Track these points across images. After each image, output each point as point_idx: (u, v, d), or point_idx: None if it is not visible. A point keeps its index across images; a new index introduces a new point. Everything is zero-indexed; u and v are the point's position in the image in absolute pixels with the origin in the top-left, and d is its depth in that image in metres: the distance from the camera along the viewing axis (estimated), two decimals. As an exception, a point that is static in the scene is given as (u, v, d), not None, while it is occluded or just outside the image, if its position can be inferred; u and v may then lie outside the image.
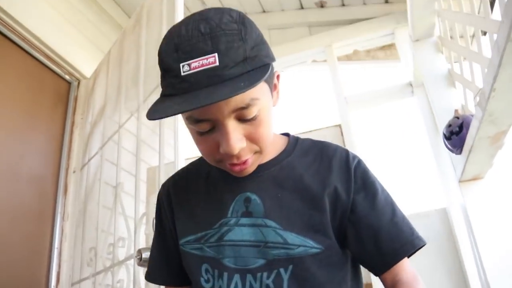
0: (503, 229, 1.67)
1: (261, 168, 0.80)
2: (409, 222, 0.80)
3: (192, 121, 0.69)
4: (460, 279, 1.97)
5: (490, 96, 1.21)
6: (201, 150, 0.75)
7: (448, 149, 1.70)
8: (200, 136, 0.72)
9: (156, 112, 0.65)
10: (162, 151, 1.35)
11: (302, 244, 0.75)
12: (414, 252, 0.77)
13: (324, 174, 0.79)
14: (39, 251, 1.83)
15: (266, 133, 0.73)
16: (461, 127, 1.60)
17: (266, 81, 0.72)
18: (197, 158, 0.91)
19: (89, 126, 2.07)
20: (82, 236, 1.85)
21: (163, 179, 1.28)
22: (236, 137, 0.68)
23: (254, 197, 0.78)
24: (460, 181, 1.75)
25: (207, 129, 0.70)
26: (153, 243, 0.92)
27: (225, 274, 0.77)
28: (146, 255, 1.14)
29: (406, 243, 0.76)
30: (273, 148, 0.83)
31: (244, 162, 0.73)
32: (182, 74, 0.64)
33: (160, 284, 0.92)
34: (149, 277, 0.91)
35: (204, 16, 0.68)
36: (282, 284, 0.74)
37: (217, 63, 0.64)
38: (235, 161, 0.72)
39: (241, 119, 0.69)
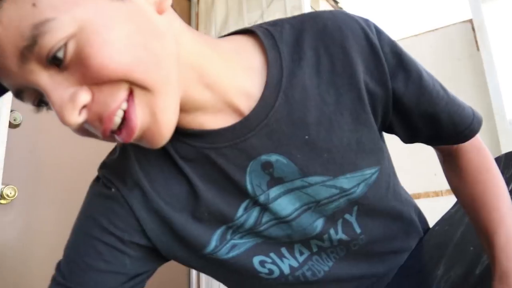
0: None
1: (258, 113, 0.56)
2: (460, 99, 0.66)
3: (16, 97, 0.48)
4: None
5: None
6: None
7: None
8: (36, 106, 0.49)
9: None
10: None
11: (361, 179, 0.61)
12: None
13: (342, 75, 0.58)
14: None
15: (118, 59, 0.43)
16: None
17: None
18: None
19: (214, 40, 2.24)
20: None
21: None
22: (61, 97, 0.44)
23: (274, 157, 0.58)
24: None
25: (35, 102, 0.48)
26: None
27: (287, 253, 0.64)
28: None
29: (470, 125, 0.64)
30: (244, 69, 0.58)
31: (129, 122, 0.46)
32: None
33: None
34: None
35: None
36: (353, 228, 0.64)
37: None
38: (103, 125, 0.46)
39: (46, 63, 0.43)
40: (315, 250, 0.64)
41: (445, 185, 2.21)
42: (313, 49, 0.58)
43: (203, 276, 1.99)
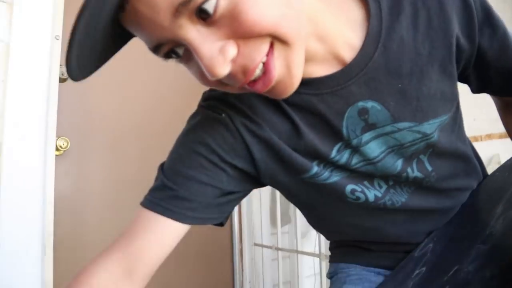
0: None
1: (359, 62, 0.61)
2: None
3: (155, 47, 0.49)
4: None
5: None
6: (201, 81, 0.53)
7: None
8: (185, 66, 0.53)
9: None
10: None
11: (439, 124, 0.67)
12: None
13: (437, 29, 0.62)
14: None
15: (266, 13, 0.46)
16: None
17: None
18: None
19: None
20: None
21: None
22: (208, 47, 0.46)
23: (370, 104, 0.63)
24: None
25: (173, 47, 0.49)
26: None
27: (374, 183, 0.71)
28: None
29: None
30: (348, 22, 0.62)
31: (265, 73, 0.49)
32: None
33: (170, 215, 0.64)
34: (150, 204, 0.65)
35: None
36: (426, 167, 0.71)
37: None
38: (241, 76, 0.49)
39: (198, 18, 0.45)
40: (391, 183, 0.71)
41: (484, 131, 2.14)
42: (412, 3, 0.62)
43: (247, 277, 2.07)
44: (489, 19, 0.64)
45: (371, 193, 0.70)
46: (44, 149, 1.25)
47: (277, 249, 1.87)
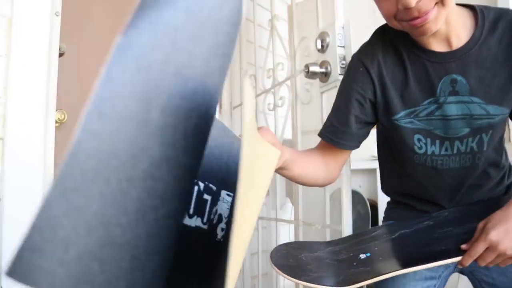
0: None
1: (461, 50, 0.94)
2: None
3: None
4: None
5: None
6: (383, 12, 0.91)
7: None
8: (383, 3, 0.89)
9: None
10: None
11: (501, 113, 0.96)
12: None
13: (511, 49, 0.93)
14: None
15: None
16: None
17: None
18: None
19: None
20: (239, 67, 2.21)
21: (321, 13, 1.52)
22: None
23: (459, 78, 0.95)
24: None
25: None
26: (336, 108, 1.07)
27: (437, 142, 0.99)
28: (313, 68, 1.42)
29: None
30: (463, 25, 0.95)
31: (426, 16, 0.84)
32: None
33: (331, 142, 1.05)
34: (323, 135, 1.07)
35: None
36: (483, 145, 0.99)
37: None
38: (416, 14, 0.84)
39: None
40: (455, 152, 0.99)
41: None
42: (503, 28, 0.94)
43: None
44: None
45: (431, 148, 1.00)
46: (45, 121, 1.34)
47: (259, 218, 2.01)
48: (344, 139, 1.04)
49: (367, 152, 2.67)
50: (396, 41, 1.00)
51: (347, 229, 1.34)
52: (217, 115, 2.17)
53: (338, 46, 1.39)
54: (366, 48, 1.05)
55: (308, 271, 0.87)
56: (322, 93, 1.48)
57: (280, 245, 1.03)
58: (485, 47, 0.94)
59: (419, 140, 1.00)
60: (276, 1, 2.01)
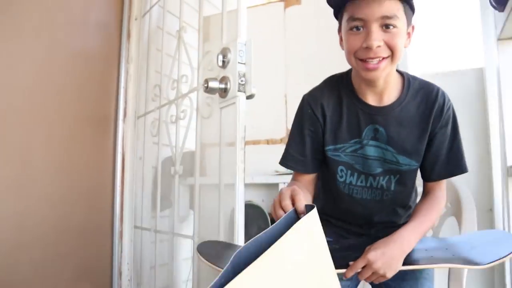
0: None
1: (387, 108, 1.19)
2: (463, 154, 1.20)
3: (351, 20, 1.08)
4: (483, 134, 2.24)
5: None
6: (348, 46, 1.11)
7: (492, 5, 1.84)
8: (351, 33, 1.09)
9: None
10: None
11: (408, 163, 1.21)
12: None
13: (428, 114, 1.18)
14: (108, 90, 2.17)
15: (399, 46, 1.07)
16: (507, -15, 1.73)
17: (406, 16, 1.09)
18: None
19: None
20: (146, 76, 2.18)
21: (226, 28, 1.54)
22: (376, 36, 1.05)
23: (381, 129, 1.20)
24: (499, 39, 1.93)
25: (359, 25, 1.07)
26: (292, 141, 1.30)
27: (355, 174, 1.24)
28: (212, 83, 1.43)
29: (456, 168, 1.20)
30: (395, 87, 1.20)
31: (378, 63, 1.08)
32: None
33: (292, 169, 1.31)
34: (284, 164, 1.30)
35: None
36: (391, 185, 1.24)
37: None
38: (372, 55, 1.07)
39: (384, 25, 1.05)
40: (368, 185, 1.25)
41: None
42: (421, 97, 1.19)
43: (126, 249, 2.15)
44: (447, 124, 1.19)
45: (349, 178, 1.25)
46: None
47: (155, 231, 1.98)
48: (308, 166, 1.28)
49: (270, 167, 2.74)
50: (341, 90, 1.25)
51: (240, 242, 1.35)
52: (121, 124, 2.12)
53: (238, 62, 1.40)
54: (314, 92, 1.29)
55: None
56: (221, 108, 1.50)
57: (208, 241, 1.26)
58: (406, 109, 1.19)
59: (341, 170, 1.25)
60: (188, 10, 2.01)
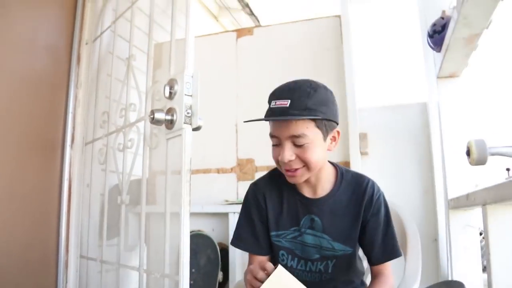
0: (470, 123, 2.00)
1: (321, 200, 1.34)
2: (396, 239, 1.33)
3: (271, 136, 1.26)
4: (428, 166, 2.35)
5: (464, 0, 1.44)
6: (273, 157, 1.28)
7: (430, 47, 1.96)
8: (274, 147, 1.27)
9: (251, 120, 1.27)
10: (174, 29, 1.58)
11: (343, 249, 1.33)
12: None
13: (359, 204, 1.32)
14: (55, 115, 2.14)
15: (310, 158, 1.22)
16: (443, 27, 1.84)
17: (319, 128, 1.22)
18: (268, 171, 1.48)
19: (101, 1, 2.29)
20: (95, 102, 2.16)
21: (174, 55, 1.55)
22: (288, 152, 1.22)
23: (316, 218, 1.33)
24: (438, 77, 2.04)
25: (276, 143, 1.26)
26: (243, 224, 1.43)
27: (296, 259, 1.36)
28: (158, 115, 1.43)
29: (391, 254, 1.31)
30: (328, 181, 1.36)
31: (294, 172, 1.25)
32: (271, 106, 1.22)
33: (247, 251, 1.42)
34: (238, 245, 1.42)
35: (296, 81, 1.25)
36: (328, 268, 1.35)
37: (288, 105, 1.18)
38: (288, 167, 1.24)
39: (295, 144, 1.21)
40: (307, 269, 1.36)
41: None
42: (352, 188, 1.34)
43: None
44: (378, 213, 1.32)
45: (290, 262, 1.37)
46: None
47: (101, 261, 1.95)
48: (262, 248, 1.40)
49: (220, 196, 2.75)
50: (282, 182, 1.38)
51: (184, 281, 1.33)
52: (68, 150, 2.09)
53: (185, 94, 1.40)
54: (259, 182, 1.46)
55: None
56: (167, 139, 1.50)
57: None
58: (338, 200, 1.33)
59: (282, 254, 1.38)
60: (140, 35, 2.01)
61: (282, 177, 1.35)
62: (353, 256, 1.36)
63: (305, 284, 1.24)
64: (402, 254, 1.30)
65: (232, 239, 1.43)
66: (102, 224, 1.97)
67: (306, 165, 1.23)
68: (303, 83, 1.23)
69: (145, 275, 1.64)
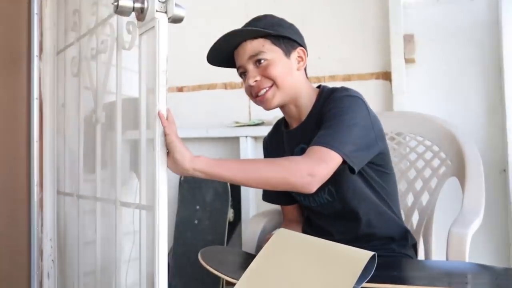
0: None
1: (304, 125, 1.35)
2: (339, 134, 1.17)
3: (238, 70, 1.35)
4: (495, 77, 1.98)
5: None
6: (245, 90, 1.35)
7: None
8: (243, 80, 1.35)
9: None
10: None
11: None
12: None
13: (325, 111, 1.27)
14: (17, 19, 1.84)
15: (274, 71, 1.26)
16: None
17: (277, 45, 1.28)
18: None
19: None
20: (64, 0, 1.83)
21: None
22: (252, 73, 1.28)
23: (305, 145, 1.26)
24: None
25: (242, 71, 1.33)
26: None
27: (304, 196, 1.39)
28: (123, 1, 1.09)
29: (319, 139, 1.18)
30: (309, 100, 1.35)
31: (264, 94, 1.28)
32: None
33: (275, 203, 1.58)
34: (266, 199, 1.56)
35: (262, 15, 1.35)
36: (334, 195, 1.33)
37: (238, 30, 1.29)
38: (256, 90, 1.29)
39: (256, 65, 1.28)
40: (319, 203, 1.37)
41: (328, 71, 2.18)
42: (325, 98, 1.32)
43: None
44: (330, 109, 1.24)
45: (305, 201, 1.41)
46: None
47: (78, 196, 1.66)
48: (280, 199, 1.54)
49: (228, 117, 2.43)
50: (281, 125, 1.48)
51: (162, 212, 1.09)
52: (36, 61, 1.78)
53: None
54: (266, 137, 1.59)
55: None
56: (140, 35, 1.18)
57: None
58: (318, 114, 1.31)
59: (296, 194, 1.45)
60: None
61: (282, 123, 1.48)
62: (352, 178, 1.27)
63: (336, 230, 1.36)
64: (338, 153, 1.14)
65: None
66: (82, 153, 1.67)
67: (274, 82, 1.27)
68: (270, 15, 1.35)
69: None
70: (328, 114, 1.23)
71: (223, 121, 2.45)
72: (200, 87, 2.57)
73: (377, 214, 1.33)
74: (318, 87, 1.39)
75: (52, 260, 1.85)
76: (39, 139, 1.85)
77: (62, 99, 1.83)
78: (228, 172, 1.09)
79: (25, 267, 1.82)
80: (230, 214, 2.23)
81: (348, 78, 2.23)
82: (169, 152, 1.07)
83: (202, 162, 1.07)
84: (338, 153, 1.13)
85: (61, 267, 1.86)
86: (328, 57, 2.26)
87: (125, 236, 1.89)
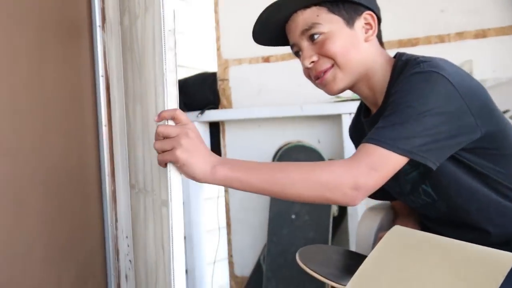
0: None
1: (383, 108, 1.09)
2: (404, 129, 0.98)
3: (291, 48, 1.18)
4: None
5: None
6: (303, 72, 1.18)
7: None
8: (298, 59, 1.19)
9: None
10: None
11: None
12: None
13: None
14: None
15: (333, 47, 1.08)
16: None
17: (336, 13, 1.09)
18: None
19: None
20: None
21: None
22: (307, 52, 1.11)
23: None
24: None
25: (297, 50, 1.15)
26: None
27: (405, 197, 1.29)
28: None
29: (372, 136, 1.02)
30: (384, 78, 1.13)
31: (323, 75, 1.11)
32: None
33: (379, 199, 1.44)
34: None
35: None
36: (431, 195, 1.17)
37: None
38: (314, 72, 1.12)
39: (309, 39, 1.10)
40: (423, 203, 1.19)
41: (455, 27, 1.85)
42: (400, 72, 1.12)
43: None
44: (395, 92, 1.07)
45: (409, 203, 1.26)
46: None
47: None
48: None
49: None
50: (361, 111, 1.30)
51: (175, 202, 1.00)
52: (99, 32, 1.57)
53: None
54: (353, 118, 1.43)
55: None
56: None
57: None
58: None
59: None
60: None
61: (362, 107, 1.29)
62: (451, 168, 1.07)
63: (430, 213, 1.21)
64: (398, 153, 0.95)
65: None
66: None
67: (335, 61, 1.09)
68: None
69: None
70: (391, 100, 1.04)
71: (320, 95, 2.14)
72: (290, 56, 2.25)
73: (497, 211, 1.10)
74: (395, 56, 1.17)
75: (130, 261, 1.68)
76: (108, 123, 1.67)
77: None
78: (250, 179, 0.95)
79: (100, 268, 1.69)
80: (335, 207, 2.04)
81: (482, 34, 1.83)
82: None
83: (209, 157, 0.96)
84: (398, 153, 0.95)
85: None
86: (455, 9, 1.92)
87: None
